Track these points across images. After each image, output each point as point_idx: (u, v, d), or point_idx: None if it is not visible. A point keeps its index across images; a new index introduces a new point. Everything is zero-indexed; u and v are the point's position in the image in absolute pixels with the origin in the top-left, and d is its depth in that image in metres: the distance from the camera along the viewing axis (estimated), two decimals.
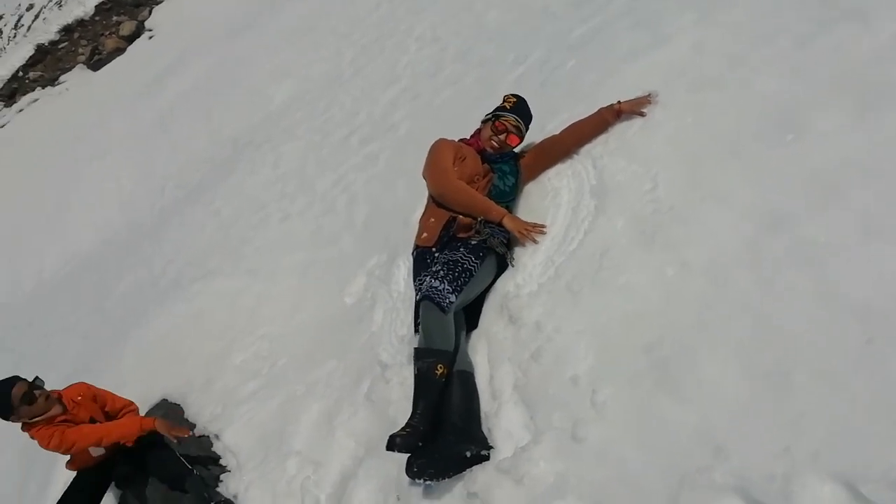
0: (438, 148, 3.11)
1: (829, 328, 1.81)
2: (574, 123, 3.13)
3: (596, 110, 3.10)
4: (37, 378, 3.35)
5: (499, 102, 3.37)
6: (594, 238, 2.65)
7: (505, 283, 2.78)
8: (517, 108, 3.21)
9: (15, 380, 3.27)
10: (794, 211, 2.15)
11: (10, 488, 4.20)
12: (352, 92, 6.83)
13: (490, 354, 2.61)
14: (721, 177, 2.46)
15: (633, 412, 2.02)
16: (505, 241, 2.86)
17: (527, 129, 3.24)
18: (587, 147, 3.10)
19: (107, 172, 10.59)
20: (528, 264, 2.79)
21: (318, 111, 6.95)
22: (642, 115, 2.98)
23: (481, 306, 2.82)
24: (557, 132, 3.21)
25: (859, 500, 1.51)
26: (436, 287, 2.53)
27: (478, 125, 4.37)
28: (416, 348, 2.50)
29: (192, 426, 3.55)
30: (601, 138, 3.07)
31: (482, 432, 2.34)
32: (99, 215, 9.44)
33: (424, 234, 2.94)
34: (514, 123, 3.15)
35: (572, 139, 3.09)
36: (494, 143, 3.13)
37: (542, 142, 3.22)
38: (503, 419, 2.34)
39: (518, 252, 2.88)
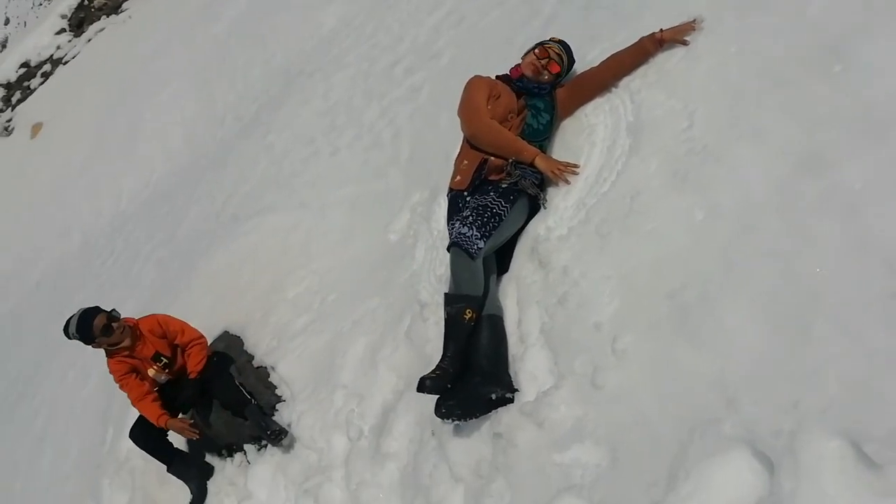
0: (472, 86, 3.07)
1: (855, 280, 1.76)
2: (613, 55, 3.00)
3: (637, 39, 2.95)
4: (113, 310, 3.68)
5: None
6: (626, 179, 2.59)
7: (536, 226, 2.79)
8: (561, 43, 3.20)
9: (97, 311, 3.61)
10: (831, 152, 2.03)
11: (96, 410, 4.70)
12: (398, 15, 6.65)
13: (519, 298, 2.66)
14: (761, 113, 2.33)
15: (651, 359, 2.06)
16: (537, 182, 2.84)
17: (569, 68, 3.19)
18: (626, 80, 2.97)
19: (172, 102, 10.87)
20: (560, 206, 2.78)
21: (365, 36, 6.84)
22: (685, 43, 2.82)
23: (513, 249, 2.85)
24: (596, 63, 3.09)
25: (862, 459, 1.51)
26: (464, 233, 2.57)
27: (521, 49, 4.24)
28: (445, 293, 2.58)
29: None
30: (641, 70, 2.93)
31: (509, 375, 2.43)
32: (167, 145, 9.80)
33: (458, 177, 2.96)
34: (556, 51, 3.12)
35: (611, 71, 2.97)
36: (536, 66, 3.08)
37: (579, 75, 3.11)
38: (528, 362, 2.42)
39: (551, 193, 2.87)
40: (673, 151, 2.49)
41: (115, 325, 3.58)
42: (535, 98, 3.06)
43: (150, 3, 16.03)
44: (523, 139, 2.94)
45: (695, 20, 2.84)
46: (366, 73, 6.08)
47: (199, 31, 12.36)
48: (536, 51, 3.12)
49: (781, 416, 1.68)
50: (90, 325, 3.53)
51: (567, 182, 2.78)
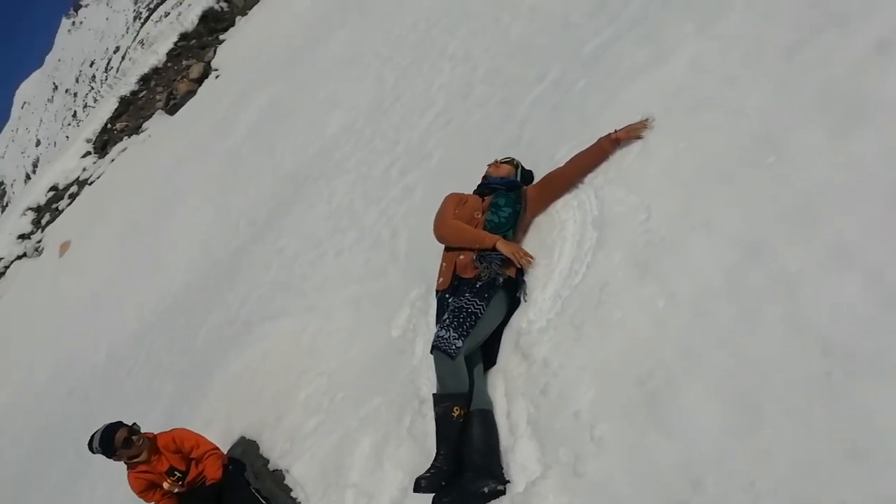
0: (444, 201, 3.44)
1: (797, 361, 1.90)
2: (576, 155, 3.27)
3: (596, 140, 3.21)
4: (134, 423, 3.90)
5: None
6: (595, 271, 2.79)
7: (519, 320, 2.97)
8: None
9: (119, 425, 3.83)
10: (772, 239, 2.22)
11: None
12: (392, 119, 7.12)
13: (507, 390, 2.80)
14: (709, 204, 2.54)
15: (626, 446, 2.18)
16: (500, 263, 3.03)
17: (521, 170, 3.64)
18: (590, 177, 3.22)
19: (191, 214, 11.43)
20: (539, 299, 2.96)
21: (365, 141, 7.30)
22: (640, 138, 3.07)
23: (500, 342, 3.02)
24: (563, 163, 3.35)
25: None
26: (442, 336, 2.75)
27: (500, 151, 4.56)
28: (433, 394, 2.74)
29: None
30: (603, 167, 3.18)
31: (500, 467, 2.54)
32: (186, 255, 10.23)
33: (440, 279, 3.18)
34: (503, 159, 3.62)
35: (575, 171, 3.23)
36: (489, 169, 3.59)
37: (548, 175, 3.37)
38: (518, 453, 2.54)
39: (530, 287, 3.06)
40: (634, 243, 2.69)
41: (135, 437, 3.80)
42: (498, 196, 3.35)
43: (169, 121, 17.08)
44: (488, 230, 3.20)
45: (647, 119, 3.10)
46: (365, 177, 6.46)
47: (215, 144, 13.14)
48: (488, 166, 3.65)
49: (741, 495, 1.79)
50: (112, 439, 3.76)
51: (528, 264, 3.02)
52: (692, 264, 2.41)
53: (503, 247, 3.07)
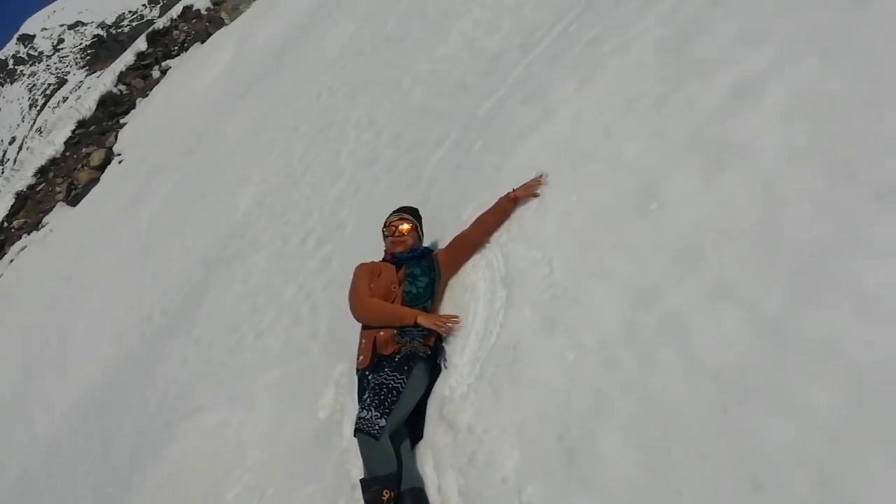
0: (355, 274, 3.39)
1: (696, 399, 1.97)
2: (479, 216, 3.35)
3: (496, 200, 3.30)
4: None
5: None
6: (507, 330, 2.82)
7: (441, 387, 2.95)
8: (394, 211, 3.66)
9: None
10: (661, 282, 2.32)
11: None
12: (303, 190, 7.10)
13: (435, 463, 2.76)
14: (602, 253, 2.65)
15: None
16: (425, 342, 3.02)
17: (415, 216, 3.63)
18: (495, 235, 3.30)
19: (100, 306, 10.85)
20: (459, 364, 2.96)
21: (277, 214, 7.22)
22: (536, 195, 3.18)
23: (424, 413, 2.98)
24: (468, 224, 3.41)
25: None
26: (364, 417, 2.70)
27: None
28: (360, 479, 2.66)
29: None
30: (505, 226, 3.27)
31: None
32: (98, 351, 9.66)
33: (360, 357, 3.13)
34: (395, 219, 3.55)
35: (480, 232, 3.30)
36: (392, 242, 3.48)
37: (456, 238, 3.42)
38: None
39: (449, 352, 3.06)
40: (540, 298, 2.75)
41: None
42: (413, 266, 3.35)
43: (71, 213, 16.36)
44: (407, 305, 3.17)
45: (541, 175, 3.22)
46: (280, 252, 6.36)
47: (122, 231, 12.65)
48: (385, 231, 3.55)
49: None
50: None
51: (450, 331, 3.01)
52: (594, 314, 2.48)
53: (424, 321, 3.05)
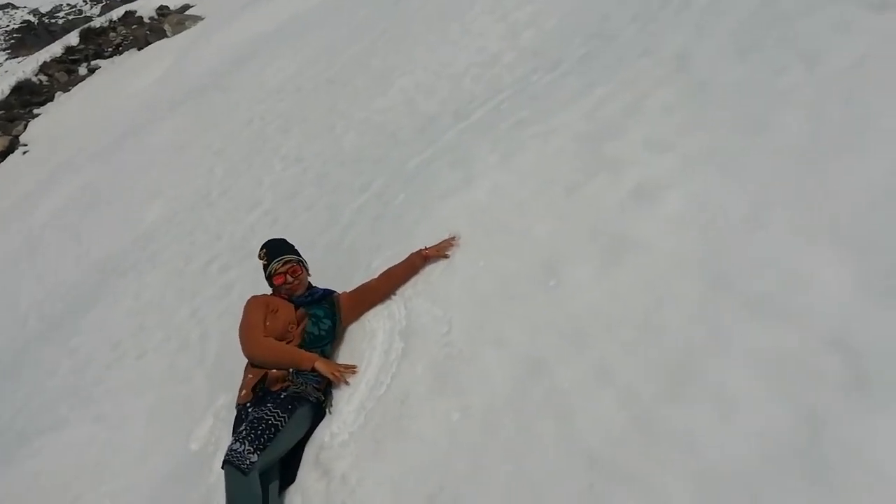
0: (248, 307, 3.27)
1: (567, 475, 2.05)
2: (389, 269, 3.39)
3: (408, 255, 3.37)
4: None
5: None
6: (399, 382, 2.84)
7: (322, 433, 2.91)
8: (274, 252, 3.42)
9: None
10: (549, 357, 2.43)
11: None
12: (217, 213, 6.94)
13: None
14: (501, 320, 2.74)
15: None
16: (319, 387, 3.00)
17: (297, 254, 3.48)
18: (402, 288, 3.35)
19: None
20: (344, 410, 2.94)
21: (185, 233, 6.99)
22: (446, 257, 3.27)
23: (300, 457, 2.92)
24: (377, 273, 3.45)
25: None
26: (236, 449, 2.62)
27: (322, 253, 4.58)
28: None
29: None
30: (413, 280, 3.33)
31: None
32: None
33: (243, 391, 3.05)
34: (282, 268, 3.35)
35: (387, 285, 3.34)
36: (288, 289, 3.33)
37: (362, 286, 3.43)
38: None
39: (336, 397, 3.03)
40: (435, 355, 2.81)
41: None
42: (314, 307, 3.30)
43: None
44: (305, 347, 3.13)
45: (454, 237, 3.33)
46: (181, 272, 6.13)
47: (11, 223, 11.82)
48: (274, 280, 3.35)
49: None
50: None
51: (348, 383, 2.97)
52: (484, 378, 2.55)
53: (322, 367, 3.00)
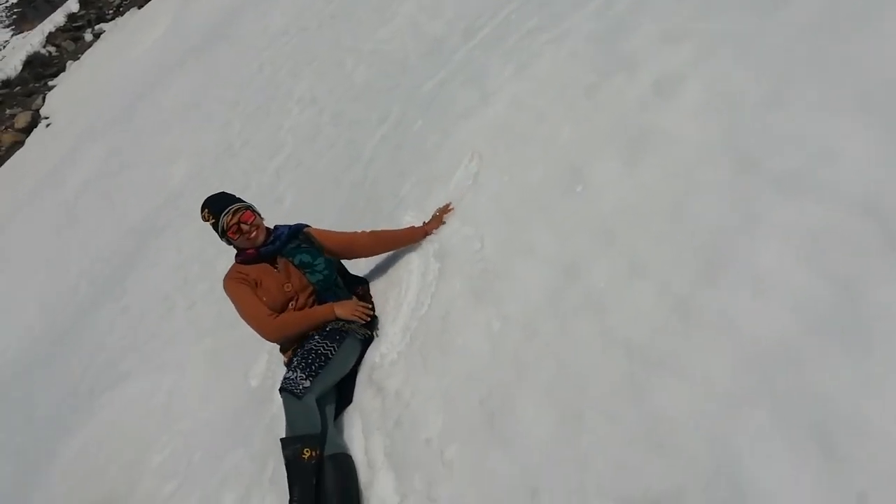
0: (232, 295, 3.03)
1: (608, 367, 2.13)
2: (385, 232, 3.31)
3: (409, 227, 3.33)
4: None
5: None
6: (438, 301, 2.93)
7: (372, 354, 3.04)
8: (218, 206, 3.05)
9: None
10: (583, 259, 2.48)
11: None
12: (241, 164, 7.02)
13: (363, 426, 2.85)
14: (531, 230, 2.79)
15: (472, 466, 2.30)
16: (364, 322, 3.08)
17: (237, 200, 3.10)
18: (431, 209, 3.39)
19: (23, 275, 10.42)
20: (390, 332, 3.06)
21: (214, 188, 7.07)
22: (443, 223, 3.22)
23: (355, 381, 3.07)
24: (368, 231, 3.29)
25: None
26: (289, 377, 2.75)
27: (348, 190, 4.64)
28: (281, 438, 2.71)
29: None
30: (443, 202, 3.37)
31: None
32: (20, 321, 9.29)
33: (288, 352, 3.13)
34: (232, 219, 2.99)
35: (378, 243, 3.27)
36: (246, 239, 3.00)
37: (345, 235, 3.25)
38: (377, 487, 2.58)
39: (381, 322, 3.15)
40: (470, 271, 2.88)
41: None
42: (295, 253, 3.06)
43: None
44: (320, 294, 3.07)
45: (449, 204, 3.28)
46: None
47: (46, 198, 12.13)
48: (229, 237, 3.00)
49: (571, 497, 1.96)
50: None
51: (366, 318, 3.04)
52: (519, 287, 2.62)
53: (343, 312, 2.98)
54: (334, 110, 6.24)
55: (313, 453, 2.59)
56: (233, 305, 3.07)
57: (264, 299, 2.99)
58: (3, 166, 16.14)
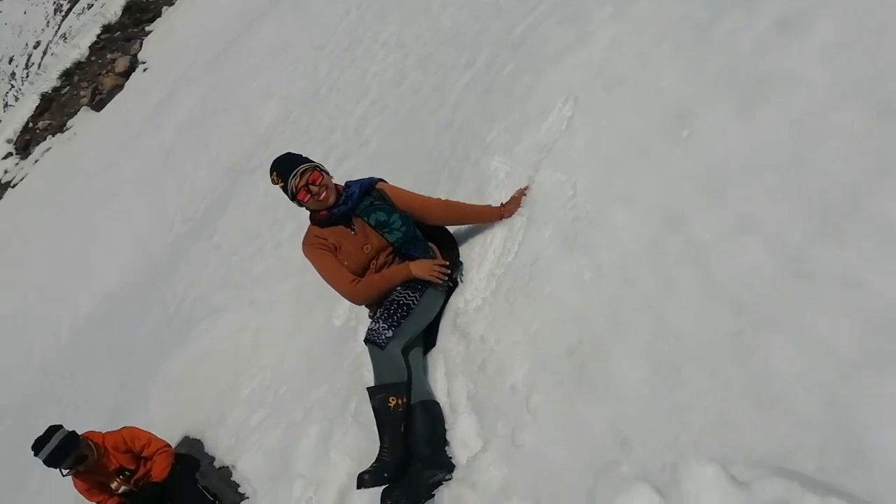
0: (314, 263, 3.04)
1: (711, 322, 2.01)
2: (460, 204, 3.17)
3: (486, 204, 3.17)
4: (81, 436, 3.87)
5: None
6: (526, 249, 2.86)
7: (456, 300, 3.02)
8: (285, 168, 2.93)
9: (71, 443, 3.76)
10: (686, 209, 2.33)
11: None
12: (328, 108, 7.06)
13: (447, 369, 2.86)
14: (630, 178, 2.65)
15: (559, 414, 2.26)
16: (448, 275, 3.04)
17: (303, 160, 2.96)
18: (522, 155, 3.29)
19: (122, 213, 11.06)
20: (475, 279, 3.03)
21: (301, 131, 7.22)
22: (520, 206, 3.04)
23: (438, 326, 3.06)
24: (443, 200, 3.17)
25: (731, 481, 1.72)
26: (372, 328, 2.76)
27: (434, 135, 4.57)
28: (368, 388, 2.74)
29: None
30: (532, 149, 3.25)
31: (448, 456, 2.54)
32: (120, 256, 9.92)
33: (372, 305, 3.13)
34: (299, 182, 2.89)
35: (452, 217, 3.15)
36: (317, 201, 2.91)
37: (421, 199, 3.13)
38: (459, 430, 2.60)
39: (466, 268, 3.12)
40: (562, 219, 2.78)
41: (87, 453, 3.79)
42: (370, 212, 2.97)
43: (95, 118, 16.39)
44: (400, 253, 3.01)
45: (526, 187, 3.09)
46: None
47: (146, 140, 12.72)
48: (298, 197, 2.90)
49: (665, 451, 1.89)
50: (62, 457, 3.73)
51: (444, 278, 2.97)
52: (615, 236, 2.50)
53: (420, 272, 2.92)
54: (420, 54, 6.13)
55: (399, 401, 2.61)
56: (317, 271, 3.05)
57: (346, 263, 2.96)
58: (105, 108, 17.02)
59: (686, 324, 2.07)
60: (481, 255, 3.10)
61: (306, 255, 3.06)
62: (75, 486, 3.92)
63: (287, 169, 2.92)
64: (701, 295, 2.09)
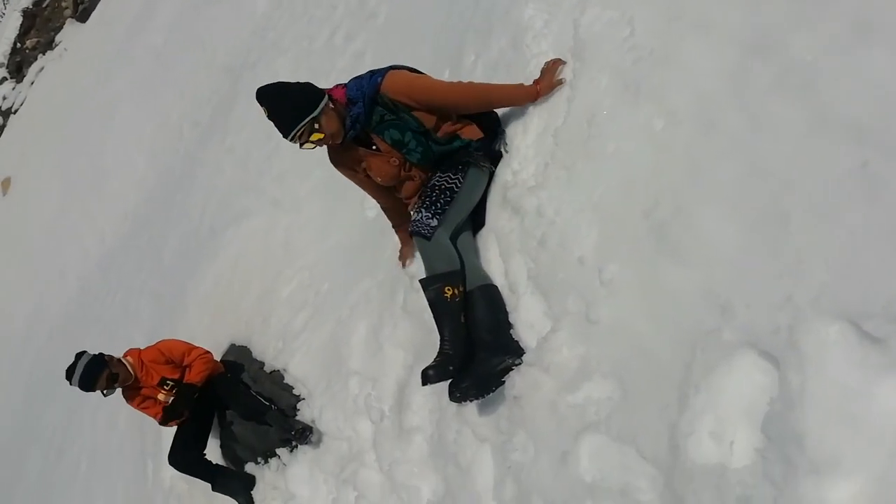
0: (347, 178, 2.98)
1: (823, 157, 1.69)
2: (484, 85, 2.76)
3: (518, 83, 2.70)
4: (109, 357, 3.84)
5: None
6: (579, 104, 2.51)
7: (503, 173, 2.72)
8: (280, 130, 2.66)
9: (97, 367, 3.72)
10: (777, 30, 1.94)
11: (132, 446, 4.76)
12: None
13: (501, 249, 2.61)
14: (700, 3, 2.23)
15: (639, 284, 2.01)
16: (490, 155, 2.75)
17: (299, 109, 2.57)
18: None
19: (127, 124, 10.69)
20: (521, 146, 2.70)
21: (299, 14, 6.64)
22: (561, 82, 2.61)
23: (486, 204, 2.78)
24: (466, 84, 2.70)
25: (864, 337, 1.47)
26: (416, 220, 2.51)
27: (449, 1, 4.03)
28: (420, 280, 2.51)
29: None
30: None
31: (514, 340, 2.35)
32: (133, 170, 9.67)
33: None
34: (299, 144, 2.65)
35: (475, 102, 2.71)
36: (331, 145, 2.74)
37: (433, 92, 2.65)
38: (523, 312, 2.39)
39: (509, 135, 2.78)
40: (619, 64, 2.40)
41: (116, 373, 3.75)
42: (383, 132, 2.62)
43: (82, 29, 15.61)
44: (419, 170, 2.72)
45: (560, 59, 2.66)
46: (307, 52, 5.91)
47: (136, 46, 12.08)
48: (302, 144, 2.64)
49: (776, 312, 1.64)
50: (92, 381, 3.71)
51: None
52: (689, 74, 2.13)
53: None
54: None
55: (455, 290, 2.39)
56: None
57: (378, 179, 2.78)
58: (91, 18, 16.12)
59: (790, 164, 1.75)
60: (525, 120, 2.74)
61: (341, 172, 2.97)
62: (126, 401, 3.94)
63: (283, 132, 2.64)
64: (804, 127, 1.75)
